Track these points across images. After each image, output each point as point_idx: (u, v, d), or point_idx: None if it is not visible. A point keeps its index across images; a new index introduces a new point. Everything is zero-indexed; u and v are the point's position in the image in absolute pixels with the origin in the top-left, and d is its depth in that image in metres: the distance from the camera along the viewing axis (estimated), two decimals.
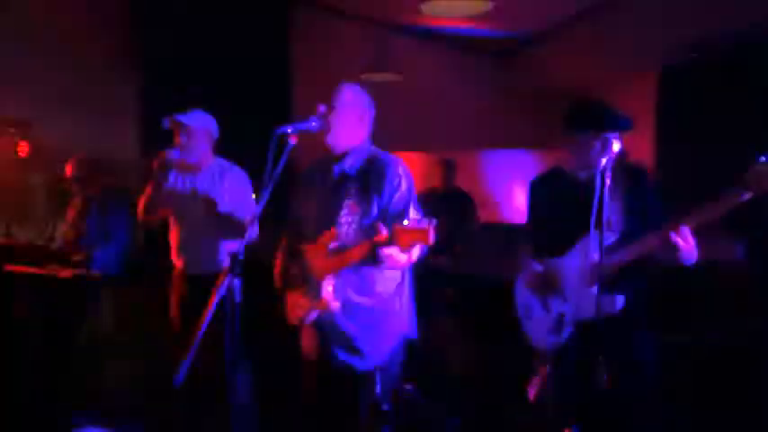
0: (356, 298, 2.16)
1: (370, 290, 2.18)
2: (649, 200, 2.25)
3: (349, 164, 2.19)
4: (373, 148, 2.26)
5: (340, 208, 2.13)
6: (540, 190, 2.53)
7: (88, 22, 5.23)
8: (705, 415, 3.10)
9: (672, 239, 1.99)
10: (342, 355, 2.20)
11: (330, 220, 2.14)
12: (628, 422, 2.27)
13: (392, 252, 1.90)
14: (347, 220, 2.12)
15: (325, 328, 2.21)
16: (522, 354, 3.27)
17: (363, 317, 2.17)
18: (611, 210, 2.20)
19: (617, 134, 2.17)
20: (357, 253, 2.02)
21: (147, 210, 3.03)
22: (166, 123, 3.01)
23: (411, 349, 2.35)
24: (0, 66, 4.80)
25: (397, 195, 2.11)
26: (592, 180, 2.12)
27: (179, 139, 2.99)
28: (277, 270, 2.39)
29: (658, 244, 2.05)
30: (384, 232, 1.83)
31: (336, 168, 2.20)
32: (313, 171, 2.32)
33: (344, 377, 2.20)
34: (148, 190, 3.00)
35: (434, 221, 1.75)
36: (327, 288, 2.10)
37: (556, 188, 2.44)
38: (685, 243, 2.00)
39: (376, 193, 2.12)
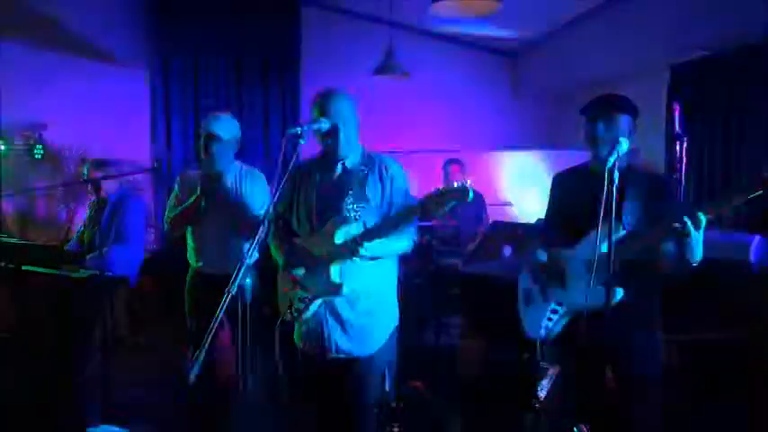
0: (357, 286, 2.24)
1: (371, 278, 2.28)
2: (669, 208, 2.25)
3: (350, 161, 2.34)
4: (366, 148, 2.41)
5: (343, 200, 2.26)
6: (560, 183, 2.56)
7: (103, 24, 5.29)
8: (708, 413, 3.09)
9: (686, 225, 1.99)
10: (341, 343, 2.28)
11: (333, 211, 2.27)
12: (633, 420, 2.27)
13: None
14: (352, 209, 2.25)
15: (325, 318, 2.28)
16: (531, 353, 3.27)
17: (364, 304, 2.28)
18: (627, 210, 2.21)
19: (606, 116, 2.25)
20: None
21: (176, 227, 3.09)
22: (202, 135, 3.00)
23: (419, 348, 2.38)
24: (15, 69, 4.87)
25: (397, 186, 2.31)
26: (620, 175, 2.15)
27: (209, 150, 2.97)
28: (281, 266, 2.42)
29: (673, 229, 2.04)
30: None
31: (338, 165, 2.34)
32: (309, 167, 2.42)
33: (343, 367, 2.29)
34: (182, 211, 3.02)
35: (468, 182, 1.92)
36: (335, 274, 2.19)
37: (575, 182, 2.47)
38: (697, 232, 2.01)
39: (378, 185, 2.29)
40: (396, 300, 2.42)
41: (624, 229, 2.19)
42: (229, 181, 3.07)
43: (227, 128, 3.02)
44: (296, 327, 2.41)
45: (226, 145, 3.00)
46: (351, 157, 2.34)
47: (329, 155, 2.33)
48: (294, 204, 2.41)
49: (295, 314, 2.29)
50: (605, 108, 2.30)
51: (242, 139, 3.14)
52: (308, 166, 2.43)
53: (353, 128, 2.32)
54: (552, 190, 2.58)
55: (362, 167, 2.32)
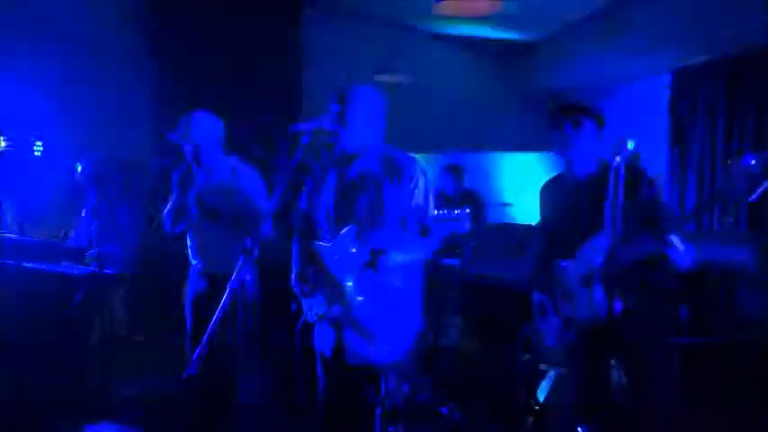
0: (378, 292, 2.18)
1: (391, 284, 2.20)
2: (648, 201, 2.26)
3: (367, 162, 2.24)
4: (388, 147, 2.30)
5: (359, 205, 2.18)
6: (545, 194, 2.58)
7: (104, 21, 5.29)
8: (709, 416, 3.09)
9: (657, 248, 2.04)
10: (361, 350, 2.22)
11: (349, 217, 2.18)
12: (636, 424, 2.27)
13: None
14: (367, 216, 2.16)
15: (345, 324, 2.23)
16: (532, 355, 3.27)
17: (386, 311, 2.20)
18: (613, 211, 2.22)
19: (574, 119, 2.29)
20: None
21: (174, 222, 3.11)
22: (172, 138, 3.04)
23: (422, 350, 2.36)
24: (15, 66, 4.87)
25: (416, 192, 2.18)
26: (590, 182, 2.23)
27: (188, 149, 3.02)
28: (294, 270, 2.39)
29: (649, 250, 2.09)
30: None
31: (354, 167, 2.24)
32: (326, 169, 2.34)
33: (359, 373, 2.24)
34: (170, 205, 3.08)
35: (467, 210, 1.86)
36: (350, 283, 2.13)
37: (558, 192, 2.49)
38: (674, 249, 2.03)
39: (396, 190, 2.18)
40: (419, 305, 2.32)
41: (615, 235, 2.20)
42: (219, 178, 3.07)
43: (196, 126, 3.02)
44: (316, 330, 2.36)
45: (199, 142, 3.00)
46: (367, 157, 2.24)
47: (342, 156, 2.25)
48: (312, 204, 2.34)
49: (316, 318, 2.26)
50: (570, 110, 2.33)
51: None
52: (326, 164, 2.35)
53: (368, 126, 2.22)
54: (540, 204, 2.60)
55: (380, 170, 2.22)
